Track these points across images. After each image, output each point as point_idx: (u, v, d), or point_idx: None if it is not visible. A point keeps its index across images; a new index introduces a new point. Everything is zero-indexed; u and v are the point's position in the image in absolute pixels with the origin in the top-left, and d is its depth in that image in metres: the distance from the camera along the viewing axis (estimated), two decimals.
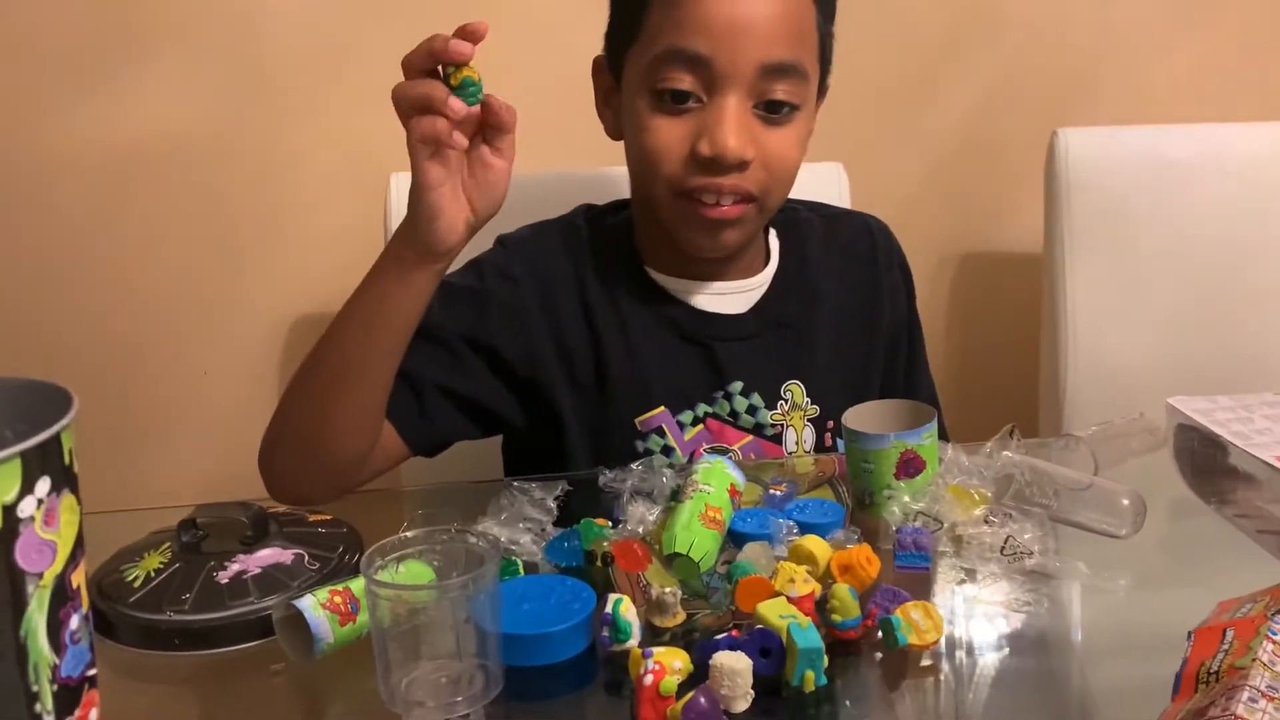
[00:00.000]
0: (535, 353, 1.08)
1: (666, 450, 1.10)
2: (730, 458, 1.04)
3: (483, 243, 1.10)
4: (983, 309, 1.76)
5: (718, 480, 0.88)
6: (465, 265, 1.11)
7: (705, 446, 1.10)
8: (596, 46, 1.13)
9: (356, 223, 1.56)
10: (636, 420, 1.09)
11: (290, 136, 1.58)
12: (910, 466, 0.91)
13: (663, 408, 1.10)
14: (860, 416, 0.95)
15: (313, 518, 0.92)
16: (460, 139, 0.86)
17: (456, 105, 0.85)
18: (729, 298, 1.13)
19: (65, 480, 0.59)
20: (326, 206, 1.60)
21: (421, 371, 1.04)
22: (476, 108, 0.87)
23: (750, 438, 1.11)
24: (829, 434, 1.14)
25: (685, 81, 1.01)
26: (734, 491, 0.89)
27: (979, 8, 1.66)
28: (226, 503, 0.88)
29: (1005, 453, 0.96)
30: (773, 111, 1.02)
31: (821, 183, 1.39)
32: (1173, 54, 1.69)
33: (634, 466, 0.97)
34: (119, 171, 1.55)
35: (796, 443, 1.13)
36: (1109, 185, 1.49)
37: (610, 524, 0.88)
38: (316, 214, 1.61)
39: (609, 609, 0.75)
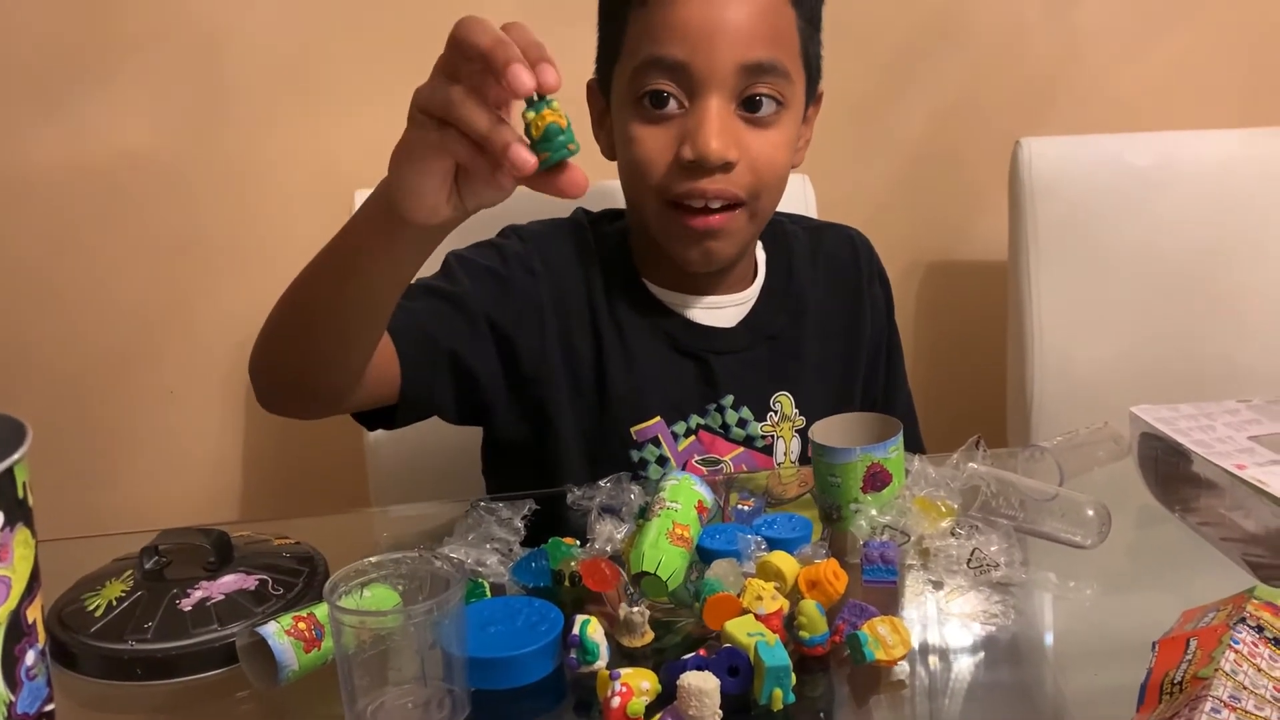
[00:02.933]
0: (544, 351, 1.08)
1: (661, 460, 1.10)
2: (719, 469, 1.05)
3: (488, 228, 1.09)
4: (949, 318, 1.77)
5: (685, 498, 0.88)
6: (483, 246, 1.11)
7: (697, 458, 1.11)
8: (584, 65, 1.13)
9: (321, 238, 1.52)
10: (632, 429, 1.10)
11: (252, 153, 1.56)
12: (877, 480, 0.91)
13: (658, 418, 1.10)
14: (827, 430, 0.95)
15: (277, 541, 0.91)
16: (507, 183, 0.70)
17: (522, 158, 0.66)
18: (722, 311, 1.13)
19: (19, 514, 0.58)
20: (291, 223, 1.59)
21: (440, 333, 1.02)
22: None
23: (741, 449, 1.12)
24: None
25: (666, 86, 1.01)
26: (701, 508, 0.89)
27: (941, 18, 1.67)
28: (189, 528, 0.87)
29: (971, 464, 0.97)
30: (755, 110, 1.02)
31: (788, 193, 1.38)
32: (1134, 62, 1.70)
33: (602, 483, 0.96)
34: (79, 191, 1.53)
35: (785, 453, 1.14)
36: (1073, 194, 1.50)
37: (578, 543, 0.88)
38: (281, 230, 1.59)
39: (576, 630, 0.74)
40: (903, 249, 1.73)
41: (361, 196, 1.36)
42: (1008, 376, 1.57)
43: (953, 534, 0.89)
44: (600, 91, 1.11)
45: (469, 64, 0.67)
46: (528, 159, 0.66)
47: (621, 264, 1.13)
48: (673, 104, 1.02)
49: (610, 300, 1.11)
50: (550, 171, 0.69)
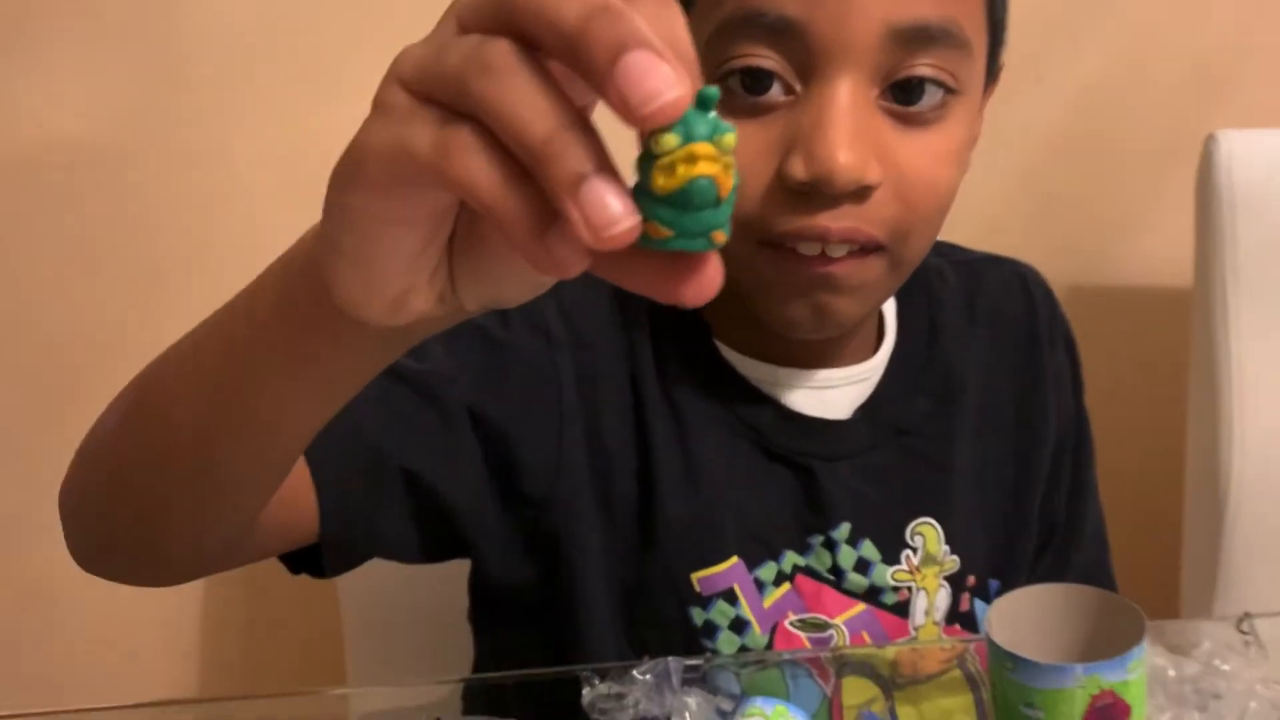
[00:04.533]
0: (560, 457, 0.73)
1: (739, 625, 0.74)
2: (829, 636, 0.71)
3: None
4: (1101, 366, 1.41)
5: None
6: None
7: (793, 618, 0.75)
8: None
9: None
10: (694, 576, 0.74)
11: (217, 141, 1.31)
12: (1107, 715, 0.54)
13: (735, 558, 0.74)
14: (1010, 619, 0.58)
15: None
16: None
17: (608, 217, 0.32)
18: (834, 393, 0.77)
19: None
20: (262, 228, 1.30)
21: (389, 441, 0.67)
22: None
23: (862, 606, 0.76)
24: (967, 594, 0.78)
25: (766, 58, 0.64)
26: None
27: None
28: None
29: (1232, 669, 0.60)
30: (911, 99, 0.65)
31: None
32: None
33: (639, 674, 0.62)
34: (7, 185, 1.29)
35: (927, 613, 0.77)
36: None
37: None
38: (250, 237, 1.26)
39: None
40: (1038, 268, 1.42)
41: None
42: (1187, 453, 1.20)
43: None
44: None
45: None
46: (619, 222, 0.32)
47: (687, 324, 0.77)
48: (776, 88, 0.64)
49: (666, 375, 0.75)
50: (657, 259, 0.35)
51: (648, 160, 0.33)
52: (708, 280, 0.36)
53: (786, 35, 0.63)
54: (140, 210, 1.32)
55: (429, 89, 0.35)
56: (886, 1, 0.62)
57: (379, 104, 0.36)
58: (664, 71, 0.31)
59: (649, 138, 0.33)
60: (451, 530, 0.71)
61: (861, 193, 0.64)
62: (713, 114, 0.33)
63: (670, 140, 0.32)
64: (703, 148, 0.33)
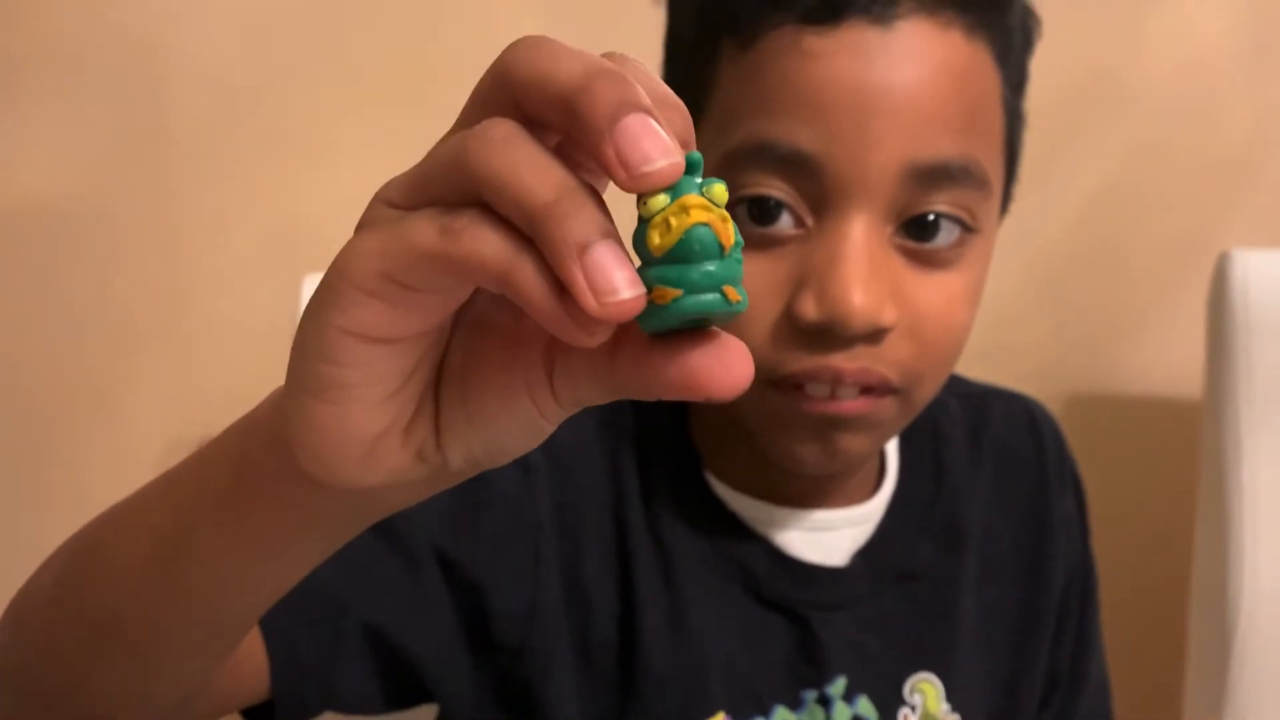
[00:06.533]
0: (538, 602, 0.68)
1: None
2: None
3: None
4: (1099, 482, 1.38)
5: None
6: None
7: None
8: None
9: (280, 319, 1.21)
10: None
11: (195, 206, 1.27)
12: None
13: (722, 715, 0.69)
14: None
15: None
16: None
17: (609, 282, 0.32)
18: (833, 535, 0.73)
19: None
20: (241, 298, 1.29)
21: (349, 593, 0.63)
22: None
23: None
24: None
25: (776, 189, 0.61)
26: None
27: (1108, 78, 1.31)
28: None
29: None
30: (926, 237, 0.62)
31: None
32: None
33: None
34: None
35: None
36: None
37: None
38: (227, 306, 1.29)
39: None
40: (1036, 377, 1.37)
41: (311, 284, 1.05)
42: (1193, 586, 1.15)
43: None
44: None
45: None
46: (623, 289, 0.32)
47: (675, 454, 0.73)
48: (786, 219, 0.62)
49: (652, 506, 0.70)
50: (665, 342, 0.34)
51: (641, 228, 0.34)
52: (735, 364, 0.34)
53: (800, 168, 0.60)
54: (117, 273, 1.28)
55: (419, 195, 0.34)
56: (906, 138, 0.60)
57: (364, 222, 0.35)
58: (662, 137, 0.32)
59: (639, 205, 0.33)
60: (417, 681, 0.66)
61: (874, 335, 0.61)
62: (703, 179, 0.34)
63: (659, 199, 0.33)
64: (692, 198, 0.33)
